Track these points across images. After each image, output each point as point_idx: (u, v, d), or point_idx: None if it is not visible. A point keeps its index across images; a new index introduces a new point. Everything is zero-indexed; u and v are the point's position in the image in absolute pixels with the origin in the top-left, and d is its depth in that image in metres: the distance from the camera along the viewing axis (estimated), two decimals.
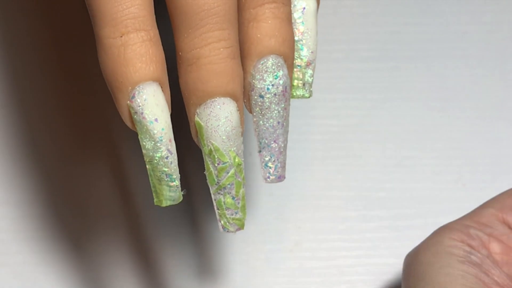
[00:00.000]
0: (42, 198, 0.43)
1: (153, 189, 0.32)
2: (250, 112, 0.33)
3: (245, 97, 0.33)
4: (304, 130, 0.45)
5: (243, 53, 0.32)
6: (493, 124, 0.45)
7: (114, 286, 0.42)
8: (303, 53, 0.34)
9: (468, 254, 0.35)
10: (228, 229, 0.33)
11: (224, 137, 0.32)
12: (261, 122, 0.33)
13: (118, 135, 0.44)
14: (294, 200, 0.44)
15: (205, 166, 0.32)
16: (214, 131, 0.31)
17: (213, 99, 0.31)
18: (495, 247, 0.36)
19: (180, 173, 0.32)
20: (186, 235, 0.43)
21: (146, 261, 0.42)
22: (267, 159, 0.33)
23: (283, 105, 0.33)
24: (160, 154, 0.31)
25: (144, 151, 0.31)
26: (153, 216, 0.43)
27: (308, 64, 0.34)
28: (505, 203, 0.37)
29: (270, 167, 0.33)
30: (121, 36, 0.30)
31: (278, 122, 0.33)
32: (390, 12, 0.47)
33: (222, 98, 0.31)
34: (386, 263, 0.43)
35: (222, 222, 0.33)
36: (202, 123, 0.31)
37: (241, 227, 0.33)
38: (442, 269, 0.34)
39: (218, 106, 0.31)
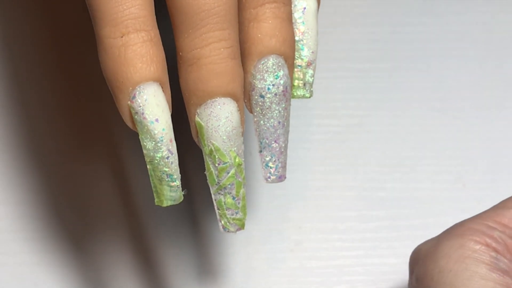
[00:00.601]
0: (42, 198, 0.43)
1: (154, 189, 0.32)
2: (251, 112, 0.33)
3: (245, 97, 0.33)
4: (304, 130, 0.45)
5: (244, 53, 0.32)
6: (493, 124, 0.45)
7: (114, 286, 0.42)
8: (304, 53, 0.34)
9: (495, 260, 0.32)
10: (228, 229, 0.33)
11: (224, 137, 0.32)
12: (261, 122, 0.33)
13: (119, 135, 0.44)
14: (294, 200, 0.44)
15: (206, 166, 0.32)
16: (215, 131, 0.31)
17: (213, 99, 0.31)
18: None
19: (180, 173, 0.32)
20: (186, 235, 0.43)
21: (146, 261, 0.42)
22: (267, 159, 0.33)
23: (283, 105, 0.33)
24: (160, 154, 0.31)
25: (145, 151, 0.31)
26: (153, 216, 0.43)
27: (308, 64, 0.34)
28: None
29: (271, 167, 0.33)
30: (122, 37, 0.30)
31: (279, 122, 0.33)
32: (390, 12, 0.47)
33: (222, 98, 0.31)
34: (386, 263, 0.43)
35: (222, 222, 0.33)
36: (202, 123, 0.31)
37: (241, 227, 0.33)
38: (471, 280, 0.31)
39: (219, 106, 0.31)
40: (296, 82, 0.34)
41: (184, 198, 0.32)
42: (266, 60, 0.32)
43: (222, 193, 0.32)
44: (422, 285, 0.33)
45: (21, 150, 0.44)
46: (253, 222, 0.43)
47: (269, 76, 0.32)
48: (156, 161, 0.31)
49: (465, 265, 0.32)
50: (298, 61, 0.34)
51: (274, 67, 0.32)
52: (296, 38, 0.34)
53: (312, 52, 0.35)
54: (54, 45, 0.45)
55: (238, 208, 0.33)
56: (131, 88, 0.31)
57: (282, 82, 0.32)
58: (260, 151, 0.33)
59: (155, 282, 0.42)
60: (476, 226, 0.33)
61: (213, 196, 0.33)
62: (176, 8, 0.31)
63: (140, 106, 0.31)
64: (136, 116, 0.31)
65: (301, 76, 0.35)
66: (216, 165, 0.32)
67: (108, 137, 0.44)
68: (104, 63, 0.31)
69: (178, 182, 0.32)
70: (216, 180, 0.32)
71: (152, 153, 0.31)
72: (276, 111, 0.33)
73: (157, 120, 0.31)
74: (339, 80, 0.46)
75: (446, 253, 0.33)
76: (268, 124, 0.33)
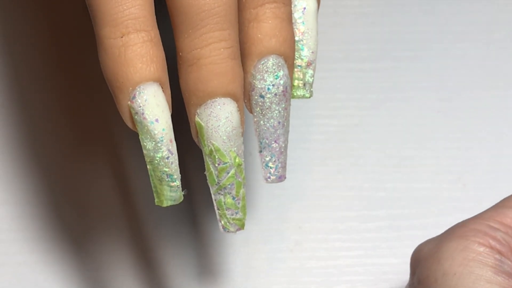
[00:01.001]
0: (42, 198, 0.43)
1: (154, 189, 0.32)
2: (251, 112, 0.33)
3: (245, 97, 0.33)
4: (304, 130, 0.45)
5: (244, 53, 0.32)
6: (493, 124, 0.45)
7: (114, 286, 0.42)
8: (304, 53, 0.34)
9: (499, 263, 0.31)
10: (228, 229, 0.33)
11: (224, 138, 0.32)
12: (261, 122, 0.33)
13: (119, 135, 0.44)
14: (294, 200, 0.44)
15: (206, 166, 0.32)
16: (215, 131, 0.31)
17: (213, 100, 0.31)
18: None
19: (180, 173, 0.32)
20: (186, 235, 0.43)
21: (146, 261, 0.42)
22: (267, 159, 0.33)
23: (283, 105, 0.33)
24: (161, 155, 0.31)
25: (145, 152, 0.31)
26: (153, 216, 0.43)
27: (308, 64, 0.34)
28: None
29: (271, 167, 0.33)
30: (122, 37, 0.30)
31: (279, 122, 0.33)
32: (390, 12, 0.47)
33: (222, 99, 0.31)
34: (386, 263, 0.43)
35: (222, 222, 0.33)
36: (202, 124, 0.31)
37: (241, 227, 0.33)
38: (476, 283, 0.31)
39: (219, 107, 0.31)
40: (296, 82, 0.34)
41: (184, 198, 0.32)
42: (266, 60, 0.32)
43: (222, 193, 0.32)
44: (424, 287, 0.33)
45: (21, 150, 0.44)
46: (253, 222, 0.43)
47: (269, 76, 0.32)
48: (156, 161, 0.31)
49: (470, 268, 0.31)
50: (298, 61, 0.34)
51: (274, 67, 0.32)
52: (296, 38, 0.34)
53: (312, 52, 0.35)
54: (54, 45, 0.45)
55: (238, 208, 0.33)
56: (131, 88, 0.31)
57: (282, 82, 0.32)
58: (260, 151, 0.33)
59: (155, 282, 0.42)
60: (478, 227, 0.33)
61: (213, 196, 0.33)
62: (176, 8, 0.31)
63: (140, 106, 0.31)
64: (136, 116, 0.31)
65: (301, 76, 0.35)
66: (216, 165, 0.32)
67: (108, 137, 0.44)
68: (104, 63, 0.31)
69: (178, 182, 0.32)
70: (216, 180, 0.32)
71: (152, 153, 0.31)
72: (276, 111, 0.33)
73: (157, 120, 0.31)
74: (339, 80, 0.46)
75: (449, 255, 0.32)
76: (268, 124, 0.33)
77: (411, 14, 0.47)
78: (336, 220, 0.43)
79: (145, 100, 0.31)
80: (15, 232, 0.43)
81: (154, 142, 0.31)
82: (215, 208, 0.33)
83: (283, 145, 0.33)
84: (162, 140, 0.31)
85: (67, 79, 0.44)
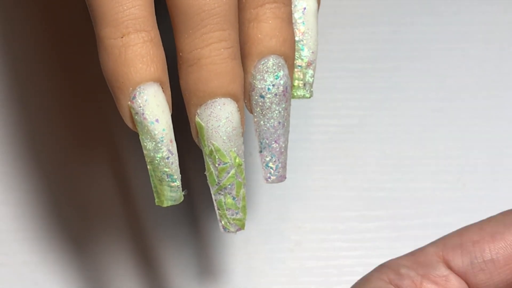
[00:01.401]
0: (42, 198, 0.43)
1: (154, 189, 0.32)
2: (251, 112, 0.33)
3: (245, 97, 0.33)
4: (304, 130, 0.45)
5: (244, 53, 0.32)
6: (493, 124, 0.45)
7: (114, 286, 0.42)
8: (304, 53, 0.34)
9: None
10: (228, 229, 0.33)
11: (224, 138, 0.32)
12: (262, 122, 0.33)
13: (119, 135, 0.44)
14: (294, 200, 0.44)
15: (206, 166, 0.32)
16: (215, 131, 0.31)
17: (213, 100, 0.31)
18: None
19: (181, 173, 0.32)
20: (186, 235, 0.43)
21: (146, 261, 0.42)
22: (268, 159, 0.33)
23: (283, 105, 0.33)
24: (161, 155, 0.31)
25: (145, 152, 0.31)
26: (154, 216, 0.43)
27: (308, 64, 0.34)
28: (447, 242, 0.34)
29: (271, 168, 0.33)
30: (122, 37, 0.30)
31: (279, 122, 0.33)
32: (390, 12, 0.47)
33: (222, 99, 0.31)
34: None
35: (222, 222, 0.33)
36: (202, 124, 0.32)
37: (241, 227, 0.33)
38: None
39: (219, 107, 0.31)
40: (296, 83, 0.34)
41: (184, 198, 0.32)
42: (266, 60, 0.32)
43: (222, 193, 0.32)
44: None
45: (21, 150, 0.44)
46: (253, 222, 0.43)
47: (269, 76, 0.32)
48: (156, 162, 0.31)
49: None
50: (298, 61, 0.34)
51: (274, 68, 0.32)
52: (296, 38, 0.34)
53: (312, 52, 0.35)
54: (54, 45, 0.45)
55: (238, 208, 0.33)
56: (131, 88, 0.31)
57: (282, 82, 0.32)
58: (260, 151, 0.33)
59: (155, 282, 0.42)
60: (388, 263, 0.33)
61: (213, 196, 0.33)
62: (176, 8, 0.31)
63: (140, 107, 0.31)
64: (136, 117, 0.31)
65: (301, 76, 0.35)
66: (216, 165, 0.32)
67: (109, 137, 0.44)
68: (105, 64, 0.31)
69: (178, 183, 0.32)
70: (216, 180, 0.32)
71: (152, 154, 0.31)
72: (276, 112, 0.33)
73: (157, 120, 0.31)
74: (339, 80, 0.46)
75: None
76: (268, 125, 0.33)
77: (411, 14, 0.47)
78: (336, 220, 0.43)
79: (145, 100, 0.31)
80: (15, 232, 0.43)
81: (154, 142, 0.31)
82: (215, 208, 0.33)
83: (283, 145, 0.33)
84: (162, 140, 0.31)
85: (67, 79, 0.44)
